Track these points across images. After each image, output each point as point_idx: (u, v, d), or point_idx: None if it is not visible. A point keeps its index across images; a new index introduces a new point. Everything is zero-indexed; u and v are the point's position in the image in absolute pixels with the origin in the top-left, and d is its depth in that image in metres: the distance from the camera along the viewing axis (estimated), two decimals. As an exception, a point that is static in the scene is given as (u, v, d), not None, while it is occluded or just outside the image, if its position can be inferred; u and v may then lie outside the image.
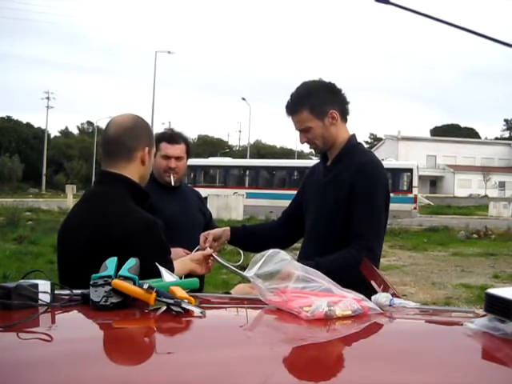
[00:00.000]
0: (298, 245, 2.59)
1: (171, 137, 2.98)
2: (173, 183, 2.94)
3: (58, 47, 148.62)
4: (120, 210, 1.80)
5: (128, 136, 1.84)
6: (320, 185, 2.33)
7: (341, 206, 2.20)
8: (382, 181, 2.26)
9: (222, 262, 2.17)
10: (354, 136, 2.34)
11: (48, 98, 59.53)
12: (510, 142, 72.13)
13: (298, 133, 2.33)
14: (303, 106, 2.23)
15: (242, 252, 2.39)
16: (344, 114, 2.30)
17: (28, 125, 58.73)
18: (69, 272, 1.82)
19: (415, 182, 24.19)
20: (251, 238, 2.47)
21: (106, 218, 1.79)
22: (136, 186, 1.87)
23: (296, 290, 1.23)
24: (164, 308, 1.19)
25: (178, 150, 2.95)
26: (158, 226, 1.81)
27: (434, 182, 62.41)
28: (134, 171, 1.86)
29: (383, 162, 2.36)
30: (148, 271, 1.35)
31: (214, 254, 2.17)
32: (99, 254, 1.46)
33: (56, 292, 1.27)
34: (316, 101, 2.23)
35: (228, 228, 2.41)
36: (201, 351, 0.97)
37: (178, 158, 2.94)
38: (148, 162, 1.89)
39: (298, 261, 2.01)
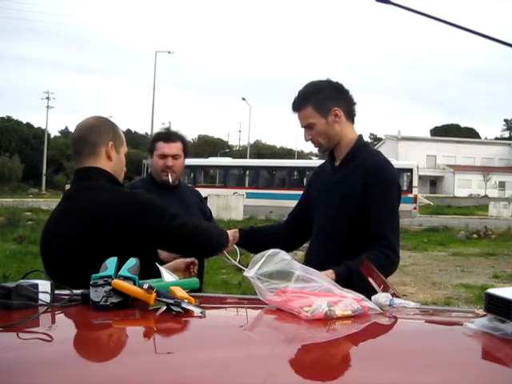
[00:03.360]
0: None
1: (167, 136, 2.99)
2: (171, 181, 2.94)
3: (59, 47, 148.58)
4: (114, 196, 1.87)
5: (90, 132, 1.94)
6: (329, 185, 2.33)
7: (351, 205, 2.20)
8: (396, 180, 2.28)
9: (232, 261, 2.22)
10: (361, 136, 2.35)
11: (48, 98, 59.41)
12: (510, 141, 72.09)
13: (299, 132, 2.35)
14: (308, 102, 2.25)
15: (238, 251, 2.39)
16: (350, 114, 2.30)
17: (28, 125, 58.68)
18: (69, 272, 1.82)
19: (415, 182, 24.17)
20: (259, 239, 2.46)
21: (112, 205, 1.83)
22: (112, 175, 1.94)
23: (296, 290, 1.23)
24: (164, 308, 1.19)
25: (174, 148, 2.95)
26: (150, 198, 1.93)
27: (433, 182, 62.38)
28: (103, 165, 1.93)
29: None
30: (168, 230, 1.83)
31: (225, 253, 2.21)
32: (113, 244, 1.62)
33: (56, 292, 1.27)
34: (320, 97, 2.25)
35: (237, 230, 2.42)
36: (201, 351, 0.97)
37: (174, 157, 2.94)
38: (115, 158, 1.96)
39: (329, 267, 2.02)
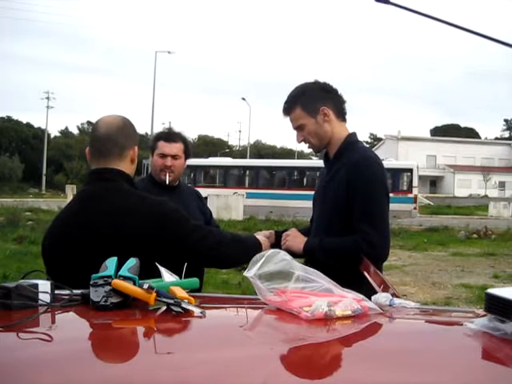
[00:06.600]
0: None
1: (168, 135, 2.98)
2: (167, 182, 2.91)
3: (58, 47, 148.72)
4: (137, 201, 1.85)
5: (120, 135, 1.89)
6: (322, 185, 2.35)
7: (339, 205, 2.19)
8: (378, 176, 2.22)
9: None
10: (352, 134, 2.33)
11: (48, 98, 59.35)
12: (510, 141, 72.11)
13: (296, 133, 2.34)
14: (296, 104, 2.28)
15: None
16: (340, 113, 2.30)
17: (28, 125, 58.63)
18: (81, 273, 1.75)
19: (415, 182, 24.19)
20: None
21: (137, 211, 1.81)
22: (131, 178, 1.93)
23: (296, 290, 1.23)
24: (164, 308, 1.19)
25: (175, 148, 2.93)
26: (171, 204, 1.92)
27: (433, 182, 62.41)
28: (125, 169, 1.90)
29: (383, 162, 2.33)
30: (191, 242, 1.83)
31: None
32: (139, 247, 1.62)
33: (56, 292, 1.27)
34: (308, 98, 2.27)
35: (273, 231, 2.43)
36: (201, 351, 0.97)
37: (174, 157, 2.92)
38: (135, 161, 1.95)
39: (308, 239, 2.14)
